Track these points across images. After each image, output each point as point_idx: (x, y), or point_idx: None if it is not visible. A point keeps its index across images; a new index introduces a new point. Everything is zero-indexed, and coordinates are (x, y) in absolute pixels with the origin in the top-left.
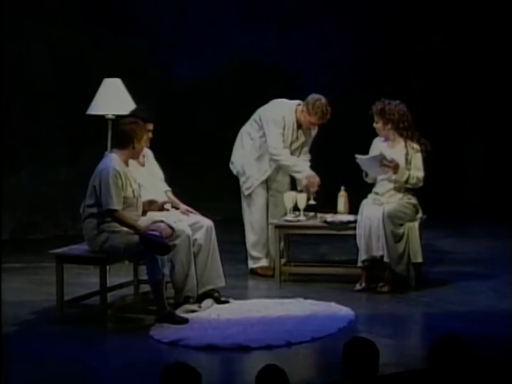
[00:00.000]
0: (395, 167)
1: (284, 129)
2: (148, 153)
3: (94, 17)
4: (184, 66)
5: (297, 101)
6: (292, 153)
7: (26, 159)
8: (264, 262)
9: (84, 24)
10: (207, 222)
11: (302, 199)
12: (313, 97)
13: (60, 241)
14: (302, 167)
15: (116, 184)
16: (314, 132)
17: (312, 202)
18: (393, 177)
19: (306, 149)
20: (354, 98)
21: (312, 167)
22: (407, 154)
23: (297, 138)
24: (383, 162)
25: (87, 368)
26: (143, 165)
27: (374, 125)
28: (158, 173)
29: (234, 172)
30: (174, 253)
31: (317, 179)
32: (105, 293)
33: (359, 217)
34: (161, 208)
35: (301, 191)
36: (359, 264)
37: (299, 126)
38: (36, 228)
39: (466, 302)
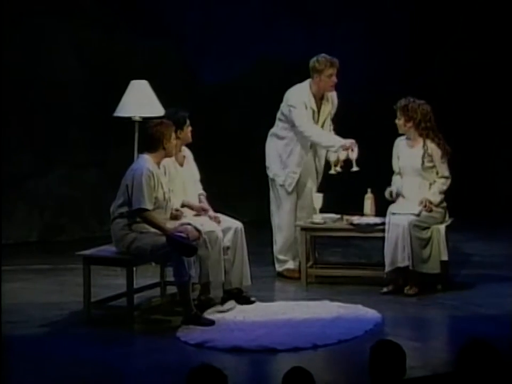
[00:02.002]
0: (430, 205)
1: (306, 109)
2: (187, 154)
3: (122, 20)
4: (211, 68)
5: (307, 80)
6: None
7: (54, 161)
8: (290, 265)
9: (111, 26)
10: (235, 224)
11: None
12: (311, 60)
13: (87, 243)
14: (333, 141)
15: (149, 184)
16: (335, 103)
17: (355, 168)
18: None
19: (329, 120)
20: (382, 100)
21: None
22: (423, 156)
23: (318, 119)
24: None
25: (114, 370)
26: (181, 165)
27: (396, 120)
28: (195, 174)
29: (271, 176)
30: (203, 251)
31: (352, 142)
32: (132, 294)
33: (387, 219)
34: (174, 217)
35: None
36: (384, 275)
37: (320, 101)
38: (63, 230)
39: (494, 305)
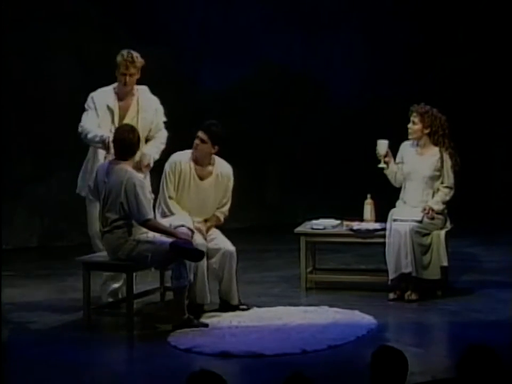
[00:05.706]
0: (433, 212)
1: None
2: (220, 172)
3: (122, 27)
4: (211, 75)
5: None
6: None
7: (54, 166)
8: None
9: (111, 33)
10: (226, 247)
11: None
12: None
13: (87, 249)
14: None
15: (144, 194)
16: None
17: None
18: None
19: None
20: (382, 106)
21: (339, 174)
22: (438, 161)
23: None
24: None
25: (113, 375)
26: (201, 179)
27: (410, 125)
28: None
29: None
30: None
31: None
32: (132, 300)
33: (388, 225)
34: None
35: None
36: (389, 282)
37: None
38: (63, 235)
39: (494, 311)
